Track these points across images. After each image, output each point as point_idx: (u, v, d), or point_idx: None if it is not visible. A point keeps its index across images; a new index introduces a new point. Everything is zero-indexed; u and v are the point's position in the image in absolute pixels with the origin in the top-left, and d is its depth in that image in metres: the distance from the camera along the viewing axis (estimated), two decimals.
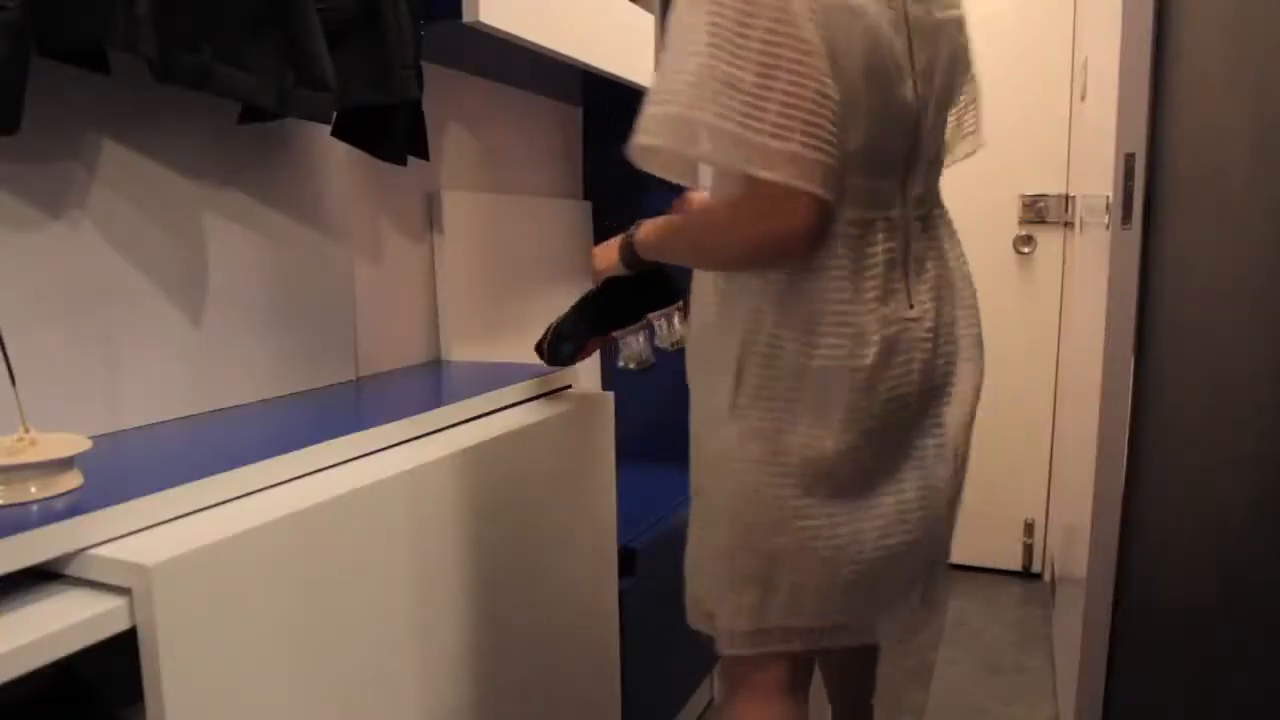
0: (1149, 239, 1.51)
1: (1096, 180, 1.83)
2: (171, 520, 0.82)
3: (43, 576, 0.75)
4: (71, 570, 0.75)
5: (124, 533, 0.78)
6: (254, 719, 0.81)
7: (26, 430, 0.82)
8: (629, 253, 1.23)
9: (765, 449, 1.05)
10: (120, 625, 0.72)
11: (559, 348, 1.34)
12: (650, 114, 1.03)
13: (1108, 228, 1.59)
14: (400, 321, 1.59)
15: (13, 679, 0.65)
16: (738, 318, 1.07)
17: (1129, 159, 1.51)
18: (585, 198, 2.19)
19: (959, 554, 2.93)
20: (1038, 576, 2.87)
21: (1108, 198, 1.59)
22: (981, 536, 2.90)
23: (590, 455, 1.38)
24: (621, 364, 1.37)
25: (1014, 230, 2.77)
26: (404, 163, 1.33)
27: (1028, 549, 2.86)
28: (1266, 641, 0.79)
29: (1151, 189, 1.49)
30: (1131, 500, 1.56)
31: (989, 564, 2.92)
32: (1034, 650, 2.38)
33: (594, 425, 1.39)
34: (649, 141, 1.03)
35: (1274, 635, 0.76)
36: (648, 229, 1.21)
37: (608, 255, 1.27)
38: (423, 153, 1.38)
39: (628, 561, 1.54)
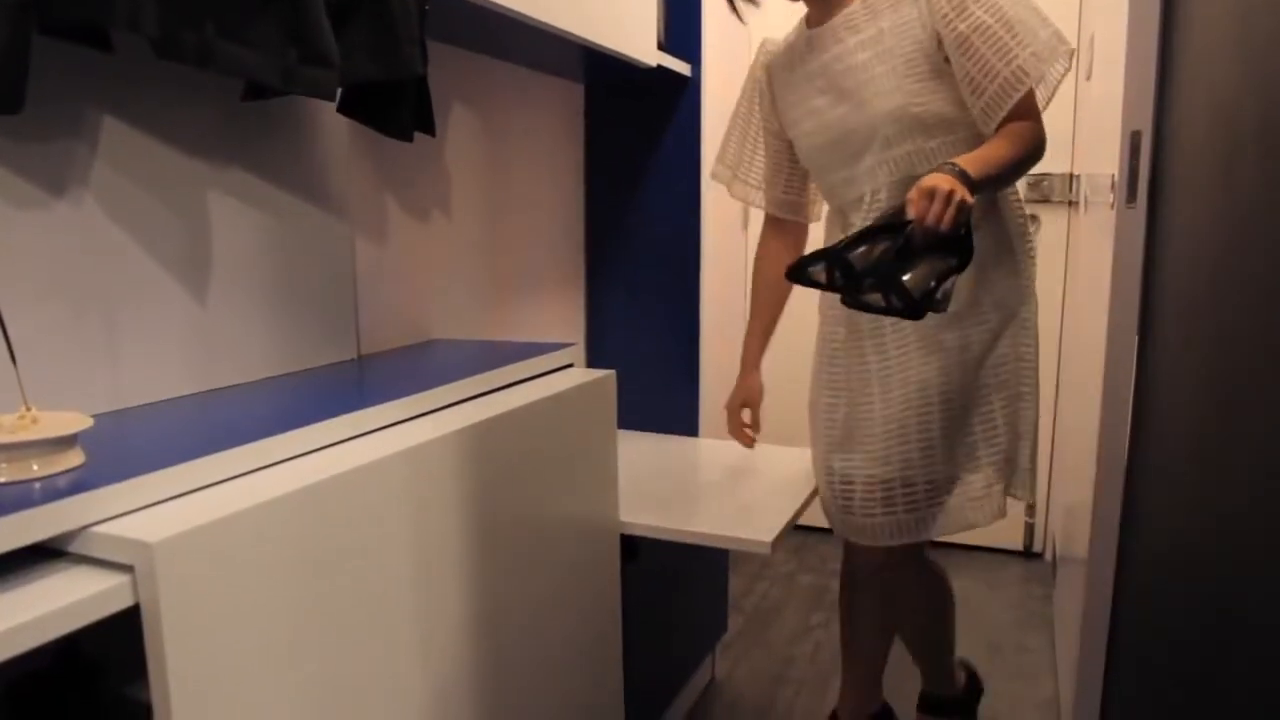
0: (1154, 218, 1.51)
1: (1101, 158, 1.82)
2: (174, 498, 0.82)
3: (45, 554, 0.76)
4: (74, 548, 0.75)
5: (127, 510, 0.78)
6: (258, 695, 0.81)
7: (28, 408, 0.82)
8: (968, 181, 1.37)
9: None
10: (123, 602, 0.72)
11: (934, 296, 1.28)
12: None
13: (1112, 206, 1.59)
14: (401, 300, 1.59)
15: (16, 656, 0.65)
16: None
17: (1135, 136, 1.50)
18: (586, 176, 2.19)
19: (961, 534, 2.93)
20: (1039, 556, 2.88)
21: (1113, 176, 1.58)
22: None
23: (592, 433, 1.38)
24: (938, 306, 1.30)
25: None
26: (410, 139, 1.33)
27: (1029, 529, 2.87)
28: (1268, 623, 0.78)
29: (1157, 167, 1.48)
30: (1133, 480, 1.56)
31: (990, 544, 2.92)
32: (1035, 629, 2.39)
33: (596, 403, 1.39)
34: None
35: (1276, 616, 0.76)
36: (974, 161, 1.41)
37: (949, 182, 1.35)
38: (429, 128, 1.37)
39: (629, 547, 1.54)
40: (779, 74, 1.63)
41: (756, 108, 1.70)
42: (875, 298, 1.28)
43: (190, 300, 1.12)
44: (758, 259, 1.81)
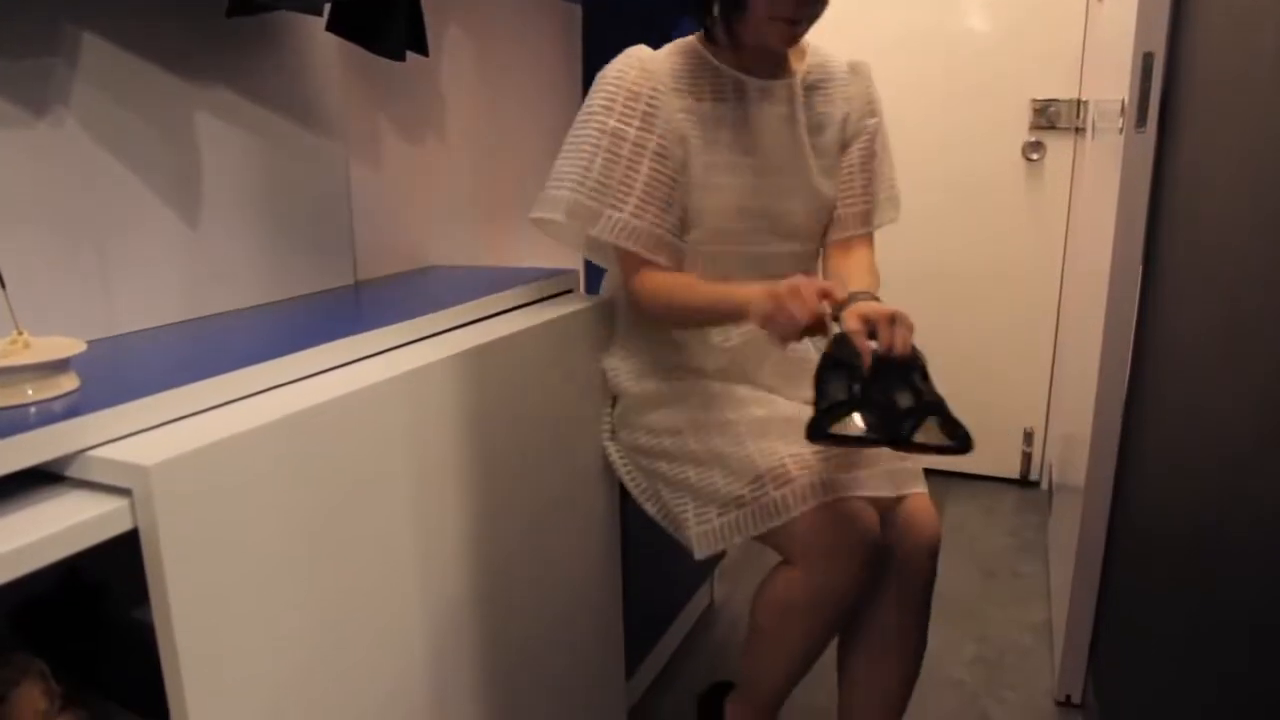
0: (1164, 143, 1.48)
1: (1111, 83, 1.78)
2: (171, 422, 0.81)
3: (43, 479, 0.75)
4: (72, 472, 0.75)
5: (123, 434, 0.77)
6: (258, 616, 0.82)
7: (20, 333, 0.81)
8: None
9: None
10: (122, 526, 0.72)
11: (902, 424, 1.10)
12: None
13: (1121, 132, 1.56)
14: (399, 226, 1.57)
15: (17, 579, 0.65)
16: None
17: (1147, 58, 1.47)
18: (584, 98, 2.14)
19: (958, 461, 2.96)
20: (1035, 485, 2.90)
21: (1123, 100, 1.55)
22: (981, 444, 2.91)
23: (592, 358, 1.37)
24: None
25: (1023, 136, 2.71)
26: (402, 58, 1.29)
27: (1026, 457, 2.88)
28: (1264, 554, 0.79)
29: (1169, 91, 1.45)
30: (1133, 409, 1.56)
31: (988, 472, 2.94)
32: (1029, 556, 2.42)
33: (595, 328, 1.38)
34: None
35: (1273, 548, 0.76)
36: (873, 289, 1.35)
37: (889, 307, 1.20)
38: (422, 48, 1.34)
39: None
40: (690, 104, 1.30)
41: (636, 126, 1.27)
42: (931, 434, 1.11)
43: (181, 224, 1.11)
44: (655, 286, 1.30)
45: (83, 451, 0.74)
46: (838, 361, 1.13)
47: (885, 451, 1.28)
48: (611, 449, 1.41)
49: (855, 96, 1.41)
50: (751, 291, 1.16)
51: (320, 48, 1.27)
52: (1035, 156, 2.72)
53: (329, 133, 1.30)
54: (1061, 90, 2.65)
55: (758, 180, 1.32)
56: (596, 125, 1.27)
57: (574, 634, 1.40)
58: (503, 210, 1.88)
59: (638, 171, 1.27)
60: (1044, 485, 2.89)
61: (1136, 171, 1.52)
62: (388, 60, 1.36)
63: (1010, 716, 1.75)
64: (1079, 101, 2.64)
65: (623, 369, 1.39)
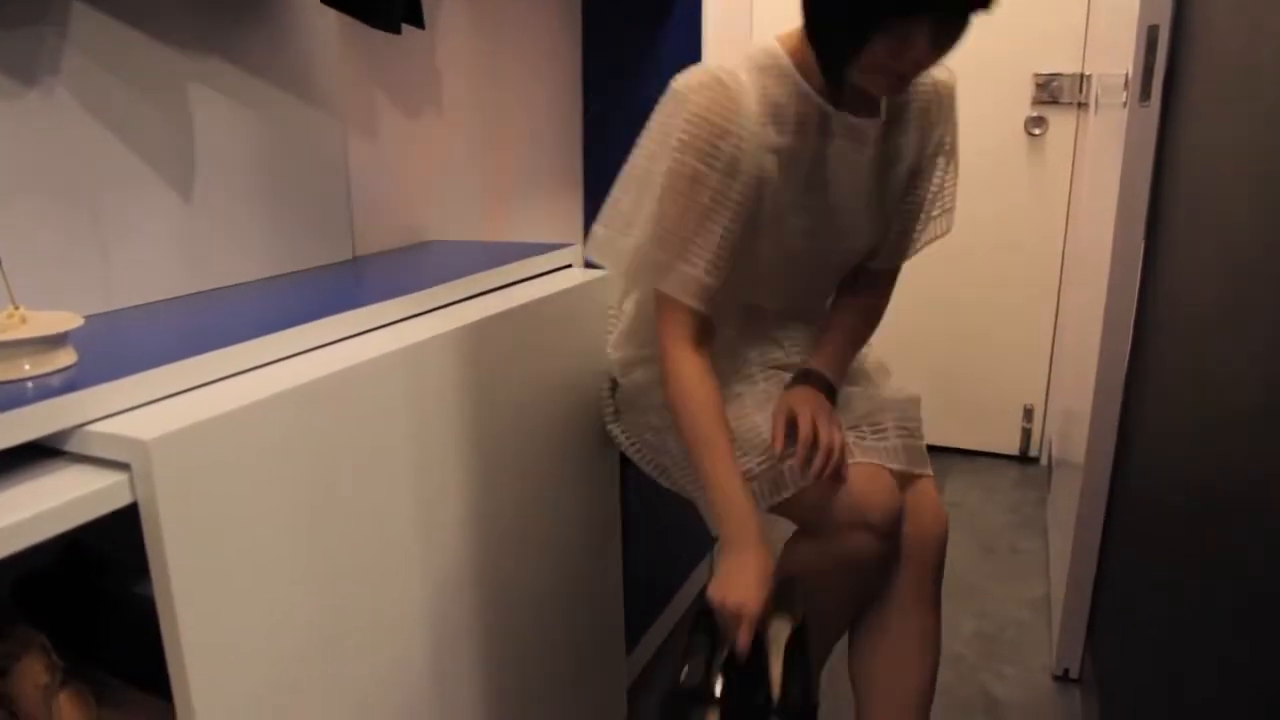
0: (1167, 117, 1.47)
1: (1115, 57, 1.77)
2: (170, 396, 0.81)
3: (42, 453, 0.75)
4: (70, 447, 0.74)
5: (122, 409, 0.77)
6: (259, 590, 0.82)
7: (16, 307, 0.80)
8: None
9: None
10: (121, 500, 0.71)
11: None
12: None
13: (1124, 105, 1.54)
14: (397, 201, 1.56)
15: (17, 553, 0.65)
16: None
17: (1152, 31, 1.45)
18: (584, 73, 2.12)
19: (958, 437, 2.96)
20: (1035, 461, 2.91)
21: (1126, 74, 1.54)
22: (981, 421, 2.92)
23: (591, 332, 1.37)
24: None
25: (1025, 111, 2.69)
26: (398, 31, 1.28)
27: (1026, 434, 2.89)
28: (1264, 527, 0.79)
29: (1174, 64, 1.44)
30: (1133, 385, 1.56)
31: (987, 448, 2.95)
32: (1029, 532, 2.43)
33: (596, 303, 1.37)
34: None
35: (1273, 521, 0.76)
36: (839, 371, 1.30)
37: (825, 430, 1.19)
38: (417, 20, 1.33)
39: None
40: (775, 141, 1.14)
41: (720, 172, 1.11)
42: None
43: (177, 198, 1.10)
44: (688, 381, 1.18)
45: (81, 426, 0.74)
46: (710, 626, 1.12)
47: (892, 424, 1.28)
48: (616, 431, 1.40)
49: (934, 125, 1.26)
50: (726, 533, 1.14)
51: (316, 21, 1.26)
52: (1037, 131, 2.70)
53: (325, 106, 1.29)
54: (1065, 64, 2.63)
55: (822, 220, 1.22)
56: (674, 164, 1.11)
57: (574, 609, 1.41)
58: (502, 183, 1.87)
59: (716, 224, 1.13)
60: (1043, 461, 2.89)
61: (1140, 145, 1.51)
62: (384, 33, 1.35)
63: (1008, 691, 1.76)
64: (1082, 76, 2.62)
65: (635, 358, 1.36)
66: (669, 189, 1.12)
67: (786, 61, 1.14)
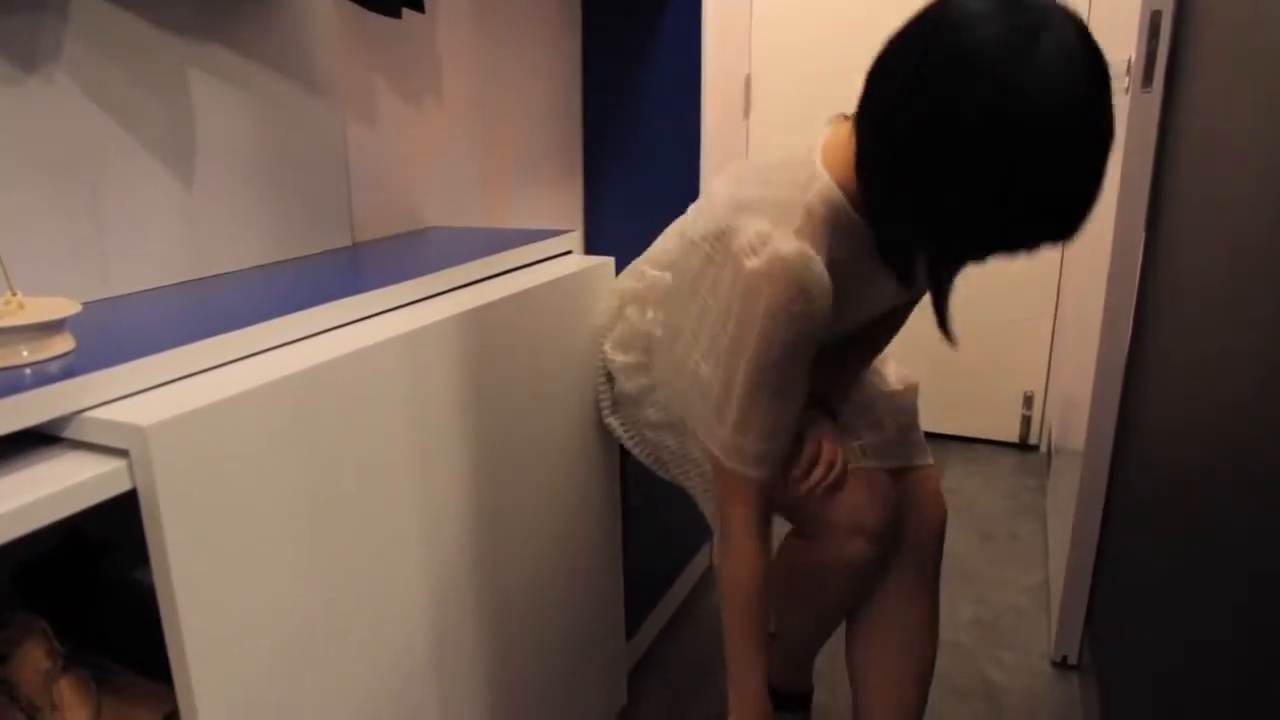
0: (1170, 103, 1.46)
1: (1118, 43, 1.76)
2: (169, 383, 0.81)
3: (40, 440, 0.75)
4: (69, 433, 0.74)
5: (120, 395, 0.77)
6: (258, 576, 0.82)
7: (14, 294, 0.80)
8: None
9: None
10: (120, 487, 0.71)
11: None
12: None
13: (1126, 91, 1.54)
14: (396, 187, 1.56)
15: (15, 540, 0.65)
16: None
17: (1155, 16, 1.45)
18: (584, 58, 2.12)
19: (957, 424, 2.96)
20: (1034, 448, 2.91)
21: (1129, 59, 1.53)
22: (980, 408, 2.92)
23: (591, 318, 1.37)
24: None
25: None
26: (398, 15, 1.27)
27: (1026, 421, 2.89)
28: (1264, 512, 0.79)
29: (1176, 49, 1.43)
30: (1133, 372, 1.55)
31: (987, 435, 2.95)
32: (1027, 519, 2.43)
33: (595, 290, 1.37)
34: None
35: (1273, 506, 0.76)
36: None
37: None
38: (417, 4, 1.32)
39: None
40: (833, 281, 1.06)
41: (801, 357, 1.08)
42: None
43: (176, 185, 1.09)
44: (748, 571, 1.16)
45: (79, 413, 0.74)
46: None
47: (889, 418, 1.28)
48: (614, 423, 1.40)
49: None
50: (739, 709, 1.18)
51: (315, 5, 1.25)
52: None
53: (324, 92, 1.28)
54: None
55: (846, 315, 1.17)
56: (757, 356, 1.06)
57: (575, 595, 1.41)
58: (502, 169, 1.86)
59: (789, 402, 1.11)
60: (1043, 449, 2.89)
61: (1142, 132, 1.50)
62: (384, 17, 1.34)
63: (1007, 677, 1.77)
64: None
65: (635, 364, 1.33)
66: (751, 382, 1.07)
67: (848, 211, 1.06)
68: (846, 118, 1.07)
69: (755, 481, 1.13)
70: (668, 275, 1.23)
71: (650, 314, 1.26)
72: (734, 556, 1.16)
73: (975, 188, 0.88)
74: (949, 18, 0.88)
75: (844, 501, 1.18)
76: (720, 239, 1.08)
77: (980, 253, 0.95)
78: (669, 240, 1.30)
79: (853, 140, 1.00)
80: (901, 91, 0.91)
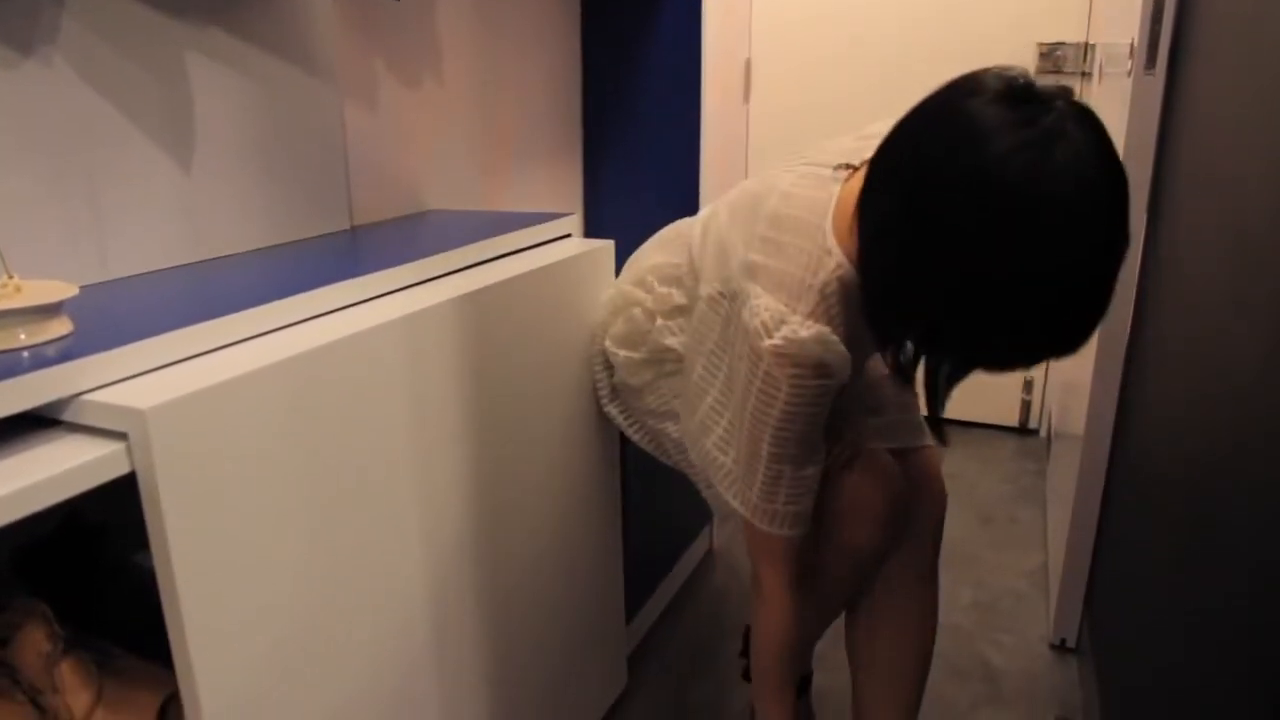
0: (1173, 86, 1.45)
1: (1121, 25, 1.75)
2: (167, 366, 0.81)
3: (40, 424, 0.75)
4: (67, 416, 0.74)
5: (118, 378, 0.77)
6: (258, 558, 0.82)
7: (10, 277, 0.80)
8: None
9: None
10: (119, 470, 0.71)
11: None
12: None
13: (1129, 74, 1.53)
14: (395, 170, 1.55)
15: (14, 522, 0.65)
16: None
17: None
18: (583, 41, 2.10)
19: (957, 409, 2.96)
20: (1034, 432, 2.91)
21: (1131, 42, 1.52)
22: (980, 393, 2.92)
23: (591, 303, 1.36)
24: None
25: None
26: None
27: (1025, 405, 2.89)
28: (1264, 502, 0.78)
29: (1180, 32, 1.42)
30: (1134, 355, 1.55)
31: (987, 419, 2.95)
32: (1027, 503, 2.43)
33: (594, 273, 1.37)
34: None
35: (1273, 495, 0.76)
36: None
37: None
38: None
39: None
40: (849, 329, 1.05)
41: (819, 422, 1.08)
42: None
43: (174, 167, 1.09)
44: (780, 626, 1.19)
45: (78, 396, 0.74)
46: None
47: (890, 402, 1.28)
48: (614, 411, 1.39)
49: None
50: None
51: None
52: None
53: (323, 75, 1.28)
54: (1069, 33, 2.61)
55: (865, 353, 1.16)
56: (778, 430, 1.05)
57: (574, 578, 1.41)
58: (501, 153, 1.85)
59: (819, 459, 1.11)
60: (1043, 433, 2.89)
61: (1144, 115, 1.50)
62: (382, 0, 1.33)
63: (1006, 660, 1.77)
64: (1086, 45, 2.59)
65: (636, 359, 1.30)
66: (776, 453, 1.07)
67: (856, 281, 1.03)
68: (852, 168, 1.05)
69: (787, 539, 1.13)
70: (674, 291, 1.22)
71: (660, 322, 1.24)
72: (769, 613, 1.18)
73: (982, 305, 0.85)
74: (961, 131, 0.84)
75: (852, 489, 1.18)
76: (734, 301, 1.07)
77: (984, 365, 0.95)
78: (673, 252, 1.25)
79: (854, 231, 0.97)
80: (904, 209, 0.88)
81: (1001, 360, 0.95)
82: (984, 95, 0.84)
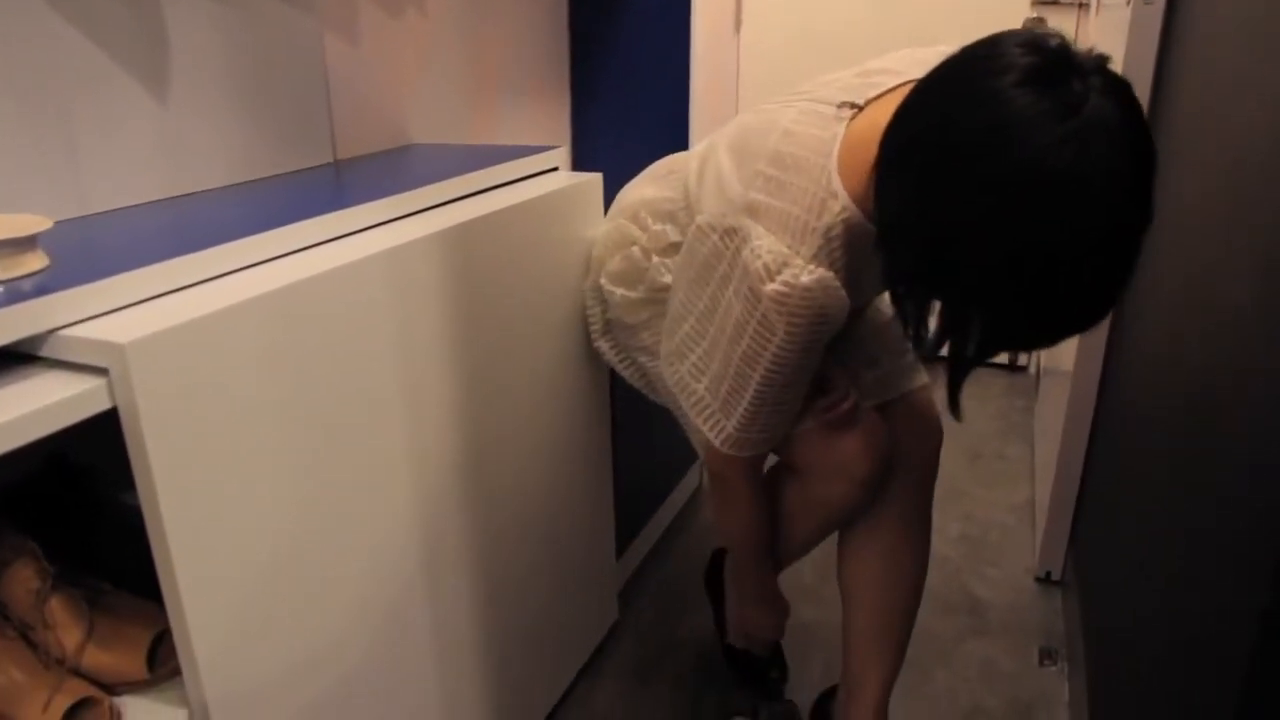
0: (1172, 16, 1.43)
1: None
2: (147, 300, 0.79)
3: (18, 360, 0.74)
4: (46, 352, 0.73)
5: (97, 313, 0.75)
6: (244, 492, 0.81)
7: None
8: None
9: None
10: (100, 405, 0.70)
11: None
12: None
13: (1128, 4, 1.50)
14: (378, 102, 1.52)
15: (4, 463, 0.64)
16: None
17: None
18: None
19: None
20: (1023, 370, 2.92)
21: None
22: None
23: (579, 237, 1.35)
24: None
25: (1025, 11, 2.62)
26: None
27: None
28: (1248, 438, 0.78)
29: None
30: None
31: None
32: (1015, 439, 2.45)
33: (582, 207, 1.35)
34: None
35: (1257, 431, 0.76)
36: None
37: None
38: None
39: None
40: (850, 269, 1.03)
41: (812, 358, 1.07)
42: None
43: (150, 100, 1.06)
44: (741, 508, 1.24)
45: (55, 331, 0.72)
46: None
47: (884, 353, 1.28)
48: (604, 346, 1.38)
49: None
50: (758, 614, 1.40)
51: None
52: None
53: (302, 4, 1.24)
54: None
55: (864, 290, 1.14)
56: (771, 367, 1.04)
57: (564, 514, 1.42)
58: (487, 85, 1.81)
59: (801, 395, 1.12)
60: (1031, 370, 2.90)
61: (1142, 44, 1.47)
62: None
63: (991, 592, 1.80)
64: None
65: (634, 298, 1.27)
66: (763, 391, 1.06)
67: (865, 225, 1.00)
68: (856, 107, 1.02)
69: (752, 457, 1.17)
70: (669, 228, 1.20)
71: (656, 259, 1.22)
72: (731, 498, 1.22)
73: (1010, 290, 0.83)
74: (992, 120, 0.80)
75: (838, 447, 1.17)
76: (730, 236, 1.04)
77: (1009, 347, 0.94)
78: (667, 186, 1.23)
79: (872, 181, 0.93)
80: (929, 197, 0.85)
81: (1028, 341, 0.94)
82: (1012, 74, 0.80)
